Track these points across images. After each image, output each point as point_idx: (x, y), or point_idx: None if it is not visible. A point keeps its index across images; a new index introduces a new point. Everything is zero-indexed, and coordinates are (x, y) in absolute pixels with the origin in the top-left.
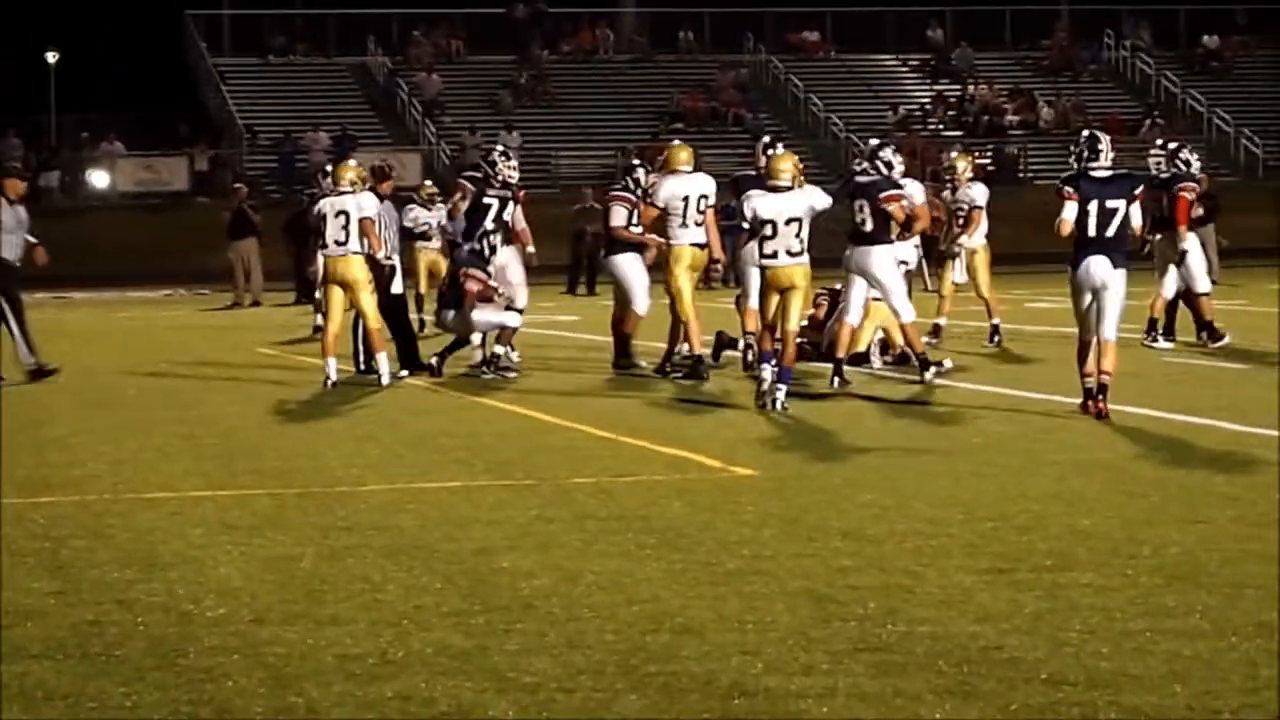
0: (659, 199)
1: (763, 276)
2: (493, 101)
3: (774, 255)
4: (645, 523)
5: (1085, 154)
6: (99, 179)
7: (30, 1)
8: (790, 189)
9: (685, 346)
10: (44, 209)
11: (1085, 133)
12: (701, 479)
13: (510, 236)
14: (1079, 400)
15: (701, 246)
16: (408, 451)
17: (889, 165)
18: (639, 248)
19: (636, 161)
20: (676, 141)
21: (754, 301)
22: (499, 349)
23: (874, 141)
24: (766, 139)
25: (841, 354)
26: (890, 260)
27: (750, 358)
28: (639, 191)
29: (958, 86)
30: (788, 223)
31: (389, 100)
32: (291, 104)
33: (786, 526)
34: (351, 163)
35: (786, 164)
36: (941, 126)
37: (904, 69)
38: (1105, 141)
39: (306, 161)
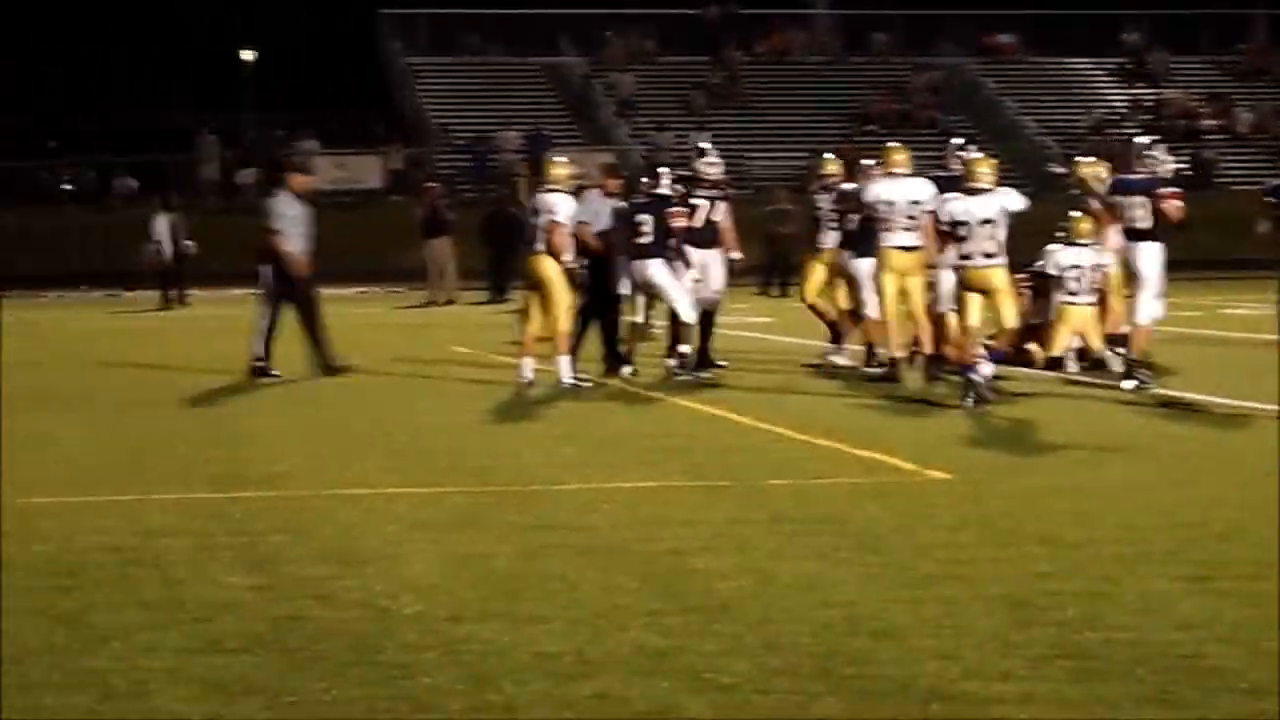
0: (865, 199)
1: (959, 278)
2: (685, 102)
3: (969, 257)
4: (840, 525)
5: None
6: None
7: (226, 1)
8: (988, 190)
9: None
10: (240, 206)
11: None
12: (897, 482)
13: (715, 238)
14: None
15: (909, 249)
16: (603, 451)
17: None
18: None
19: (705, 145)
20: (893, 144)
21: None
22: (685, 348)
23: (1141, 140)
24: (959, 140)
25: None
26: (1156, 256)
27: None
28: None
29: (1153, 90)
30: (982, 224)
31: (582, 99)
32: (484, 103)
33: (983, 531)
34: (561, 159)
35: (986, 166)
36: (1137, 131)
37: (1099, 72)
38: None
39: (498, 160)
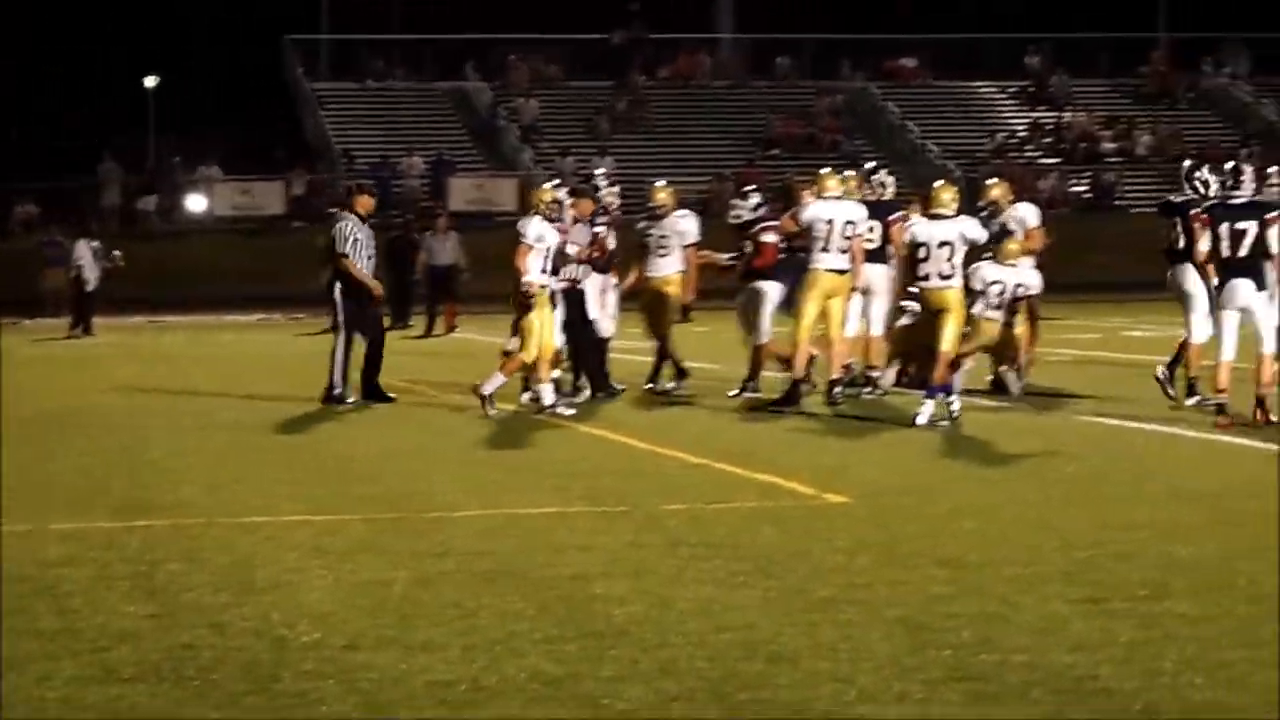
0: (802, 219)
1: (919, 299)
2: (590, 127)
3: (926, 278)
4: (738, 550)
5: (1229, 183)
6: (195, 203)
7: (130, 27)
8: (950, 217)
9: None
10: (140, 233)
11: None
12: (795, 506)
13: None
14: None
15: (840, 272)
16: (502, 477)
17: (1206, 185)
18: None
19: (601, 171)
20: (826, 170)
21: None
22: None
23: (1188, 162)
24: (870, 165)
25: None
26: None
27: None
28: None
29: (1055, 113)
30: (940, 246)
31: (486, 125)
32: (389, 128)
33: (881, 554)
34: (546, 187)
35: (948, 194)
36: (1038, 153)
37: (1001, 96)
38: (1247, 172)
39: (403, 186)
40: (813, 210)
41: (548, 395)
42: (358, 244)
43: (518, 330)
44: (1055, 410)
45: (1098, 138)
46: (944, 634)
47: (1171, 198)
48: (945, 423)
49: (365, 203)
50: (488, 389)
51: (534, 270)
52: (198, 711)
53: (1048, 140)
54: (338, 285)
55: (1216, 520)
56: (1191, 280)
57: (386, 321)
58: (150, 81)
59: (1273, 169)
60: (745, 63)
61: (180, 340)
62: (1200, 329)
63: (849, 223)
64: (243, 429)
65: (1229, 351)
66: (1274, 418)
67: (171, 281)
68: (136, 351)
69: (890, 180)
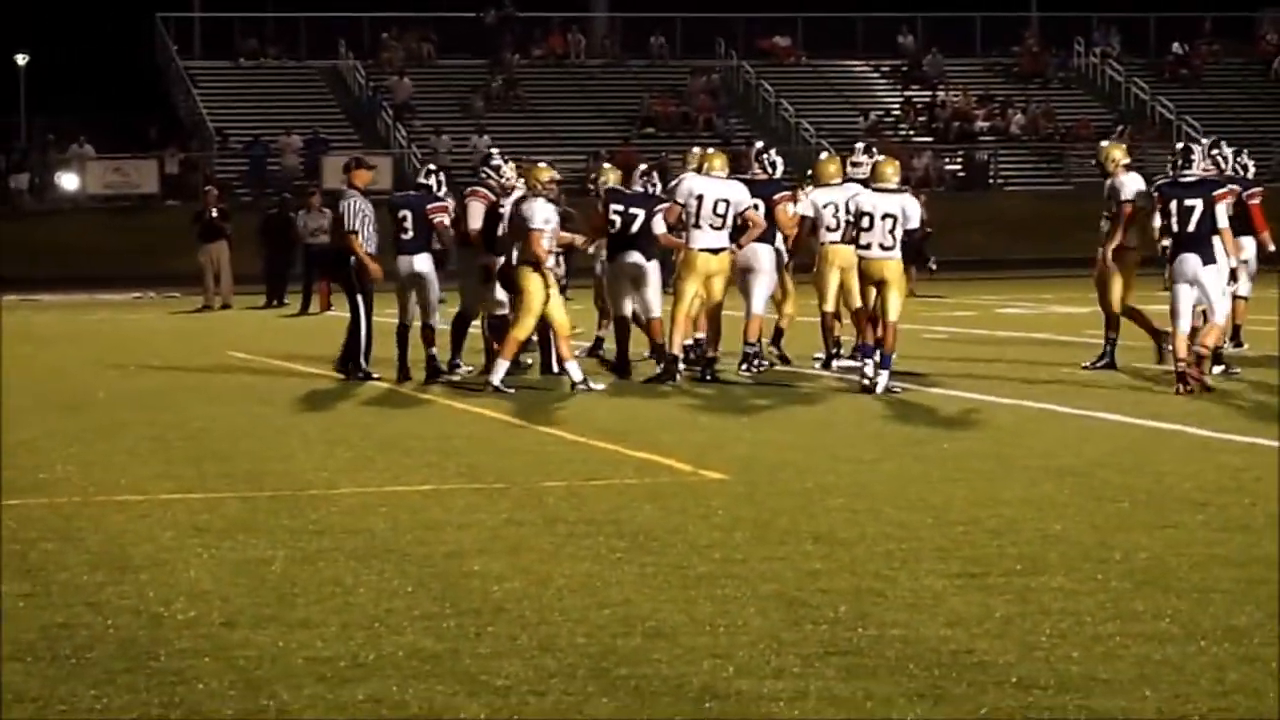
0: (679, 195)
1: (859, 269)
2: (464, 105)
3: (868, 247)
4: (616, 526)
5: (1179, 162)
6: (68, 182)
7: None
8: (893, 190)
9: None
10: (13, 212)
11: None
12: (673, 483)
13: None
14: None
15: (715, 251)
16: (379, 454)
17: (1225, 160)
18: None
19: (495, 151)
20: (711, 149)
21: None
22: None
23: (1205, 141)
24: (759, 145)
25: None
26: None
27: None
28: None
29: (928, 92)
30: (884, 218)
31: (360, 104)
32: (262, 107)
33: (758, 530)
34: (542, 166)
35: (890, 168)
36: (912, 132)
37: (875, 75)
38: (1196, 151)
39: (279, 165)
40: (685, 185)
41: (576, 373)
42: (365, 220)
43: (515, 310)
44: (930, 387)
45: (971, 116)
46: (820, 609)
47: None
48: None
49: (364, 176)
50: (496, 378)
51: (549, 253)
52: (74, 690)
53: (922, 119)
54: (352, 262)
55: (1090, 495)
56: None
57: (261, 300)
58: (21, 59)
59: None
60: (619, 41)
61: (53, 319)
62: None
63: (721, 200)
64: (117, 407)
65: (1185, 324)
66: (1209, 381)
67: (44, 260)
68: (9, 331)
69: (779, 160)
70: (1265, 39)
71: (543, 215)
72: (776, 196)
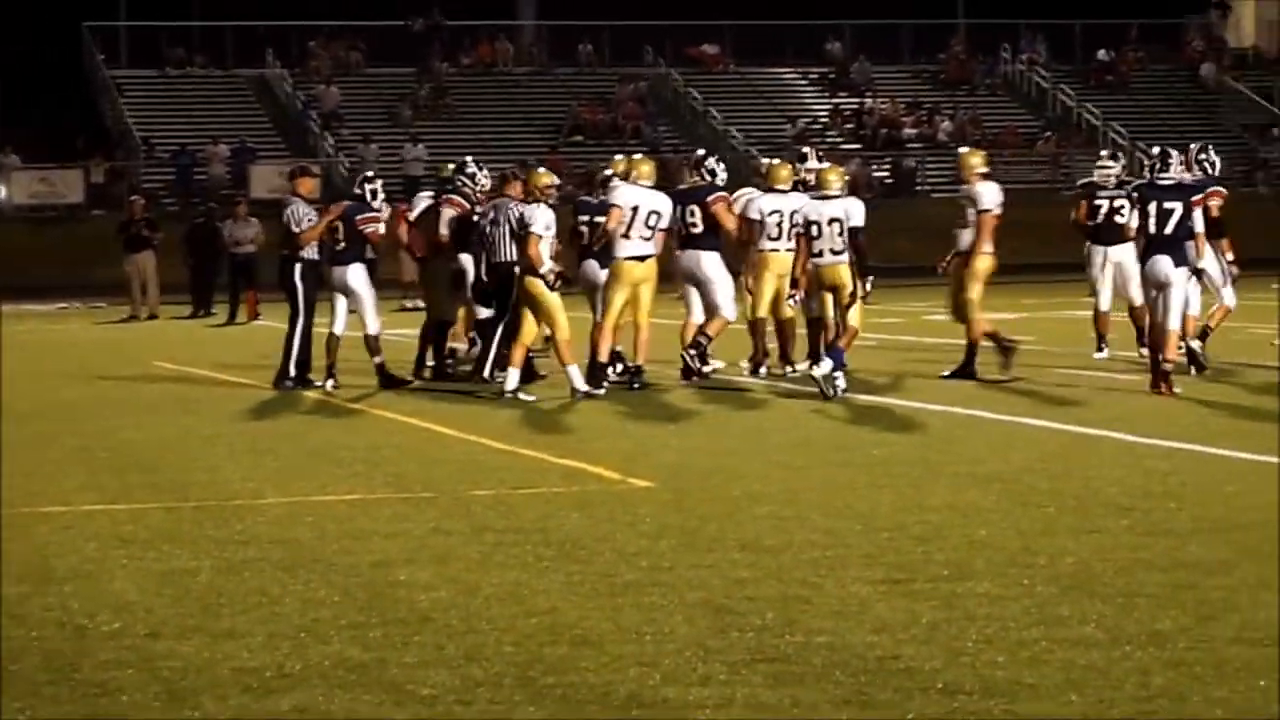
0: (618, 202)
1: (811, 275)
2: (392, 114)
3: (820, 254)
4: (543, 535)
5: (1157, 165)
6: None
7: None
8: (837, 196)
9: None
10: None
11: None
12: (600, 491)
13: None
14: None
15: (641, 259)
16: (306, 464)
17: (1213, 165)
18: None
19: (469, 158)
20: (638, 156)
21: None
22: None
23: (1194, 145)
24: (701, 152)
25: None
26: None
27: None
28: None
29: (856, 100)
30: (830, 223)
31: (287, 112)
32: (189, 116)
33: (684, 538)
34: (542, 171)
35: (834, 175)
36: (840, 139)
37: (803, 82)
38: (1175, 156)
39: (206, 174)
40: (622, 194)
41: (578, 380)
42: (311, 224)
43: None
44: (858, 394)
45: (899, 124)
46: (747, 616)
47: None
48: (842, 388)
49: (307, 184)
50: (580, 385)
51: (546, 258)
52: None
53: (849, 126)
54: (297, 268)
55: (1016, 501)
56: (1206, 258)
57: (186, 310)
58: None
59: (1103, 152)
60: (547, 50)
61: None
62: (1229, 297)
63: (654, 212)
64: (42, 418)
65: (1175, 321)
66: (1178, 390)
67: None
68: None
69: (721, 167)
70: (1191, 45)
71: (544, 221)
72: (710, 198)
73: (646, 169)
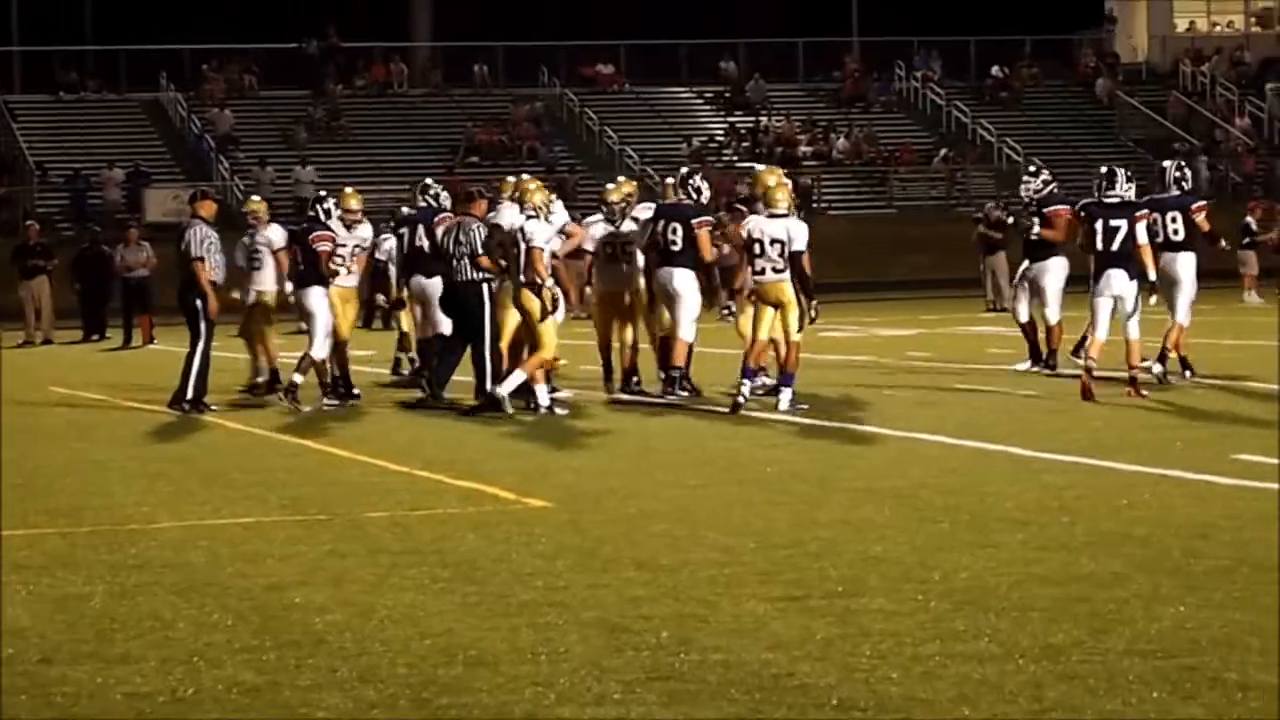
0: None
1: (754, 292)
2: (287, 136)
3: (762, 272)
4: (439, 556)
5: (1103, 185)
6: None
7: None
8: (784, 215)
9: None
10: None
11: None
12: (496, 511)
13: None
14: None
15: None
16: (200, 488)
17: (1187, 179)
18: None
19: (324, 193)
20: (526, 176)
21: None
22: (299, 377)
23: (1169, 162)
24: (685, 170)
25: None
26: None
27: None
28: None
29: (752, 118)
30: (772, 243)
31: (182, 136)
32: (83, 141)
33: (580, 558)
34: (511, 180)
35: (781, 194)
36: (736, 158)
37: (699, 101)
38: (1120, 174)
39: (100, 199)
40: (507, 219)
41: (543, 396)
42: (211, 247)
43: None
44: (753, 412)
45: (794, 142)
46: (642, 635)
47: (1158, 194)
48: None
49: (209, 207)
50: (544, 400)
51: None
52: None
53: (745, 145)
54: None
55: (912, 516)
56: (1183, 268)
57: (79, 334)
58: None
59: (1030, 168)
60: (442, 71)
61: None
62: (1186, 313)
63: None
64: None
65: (1103, 333)
66: (1145, 393)
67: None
68: None
69: (705, 185)
70: (1084, 61)
71: (544, 235)
72: (695, 221)
73: (535, 190)
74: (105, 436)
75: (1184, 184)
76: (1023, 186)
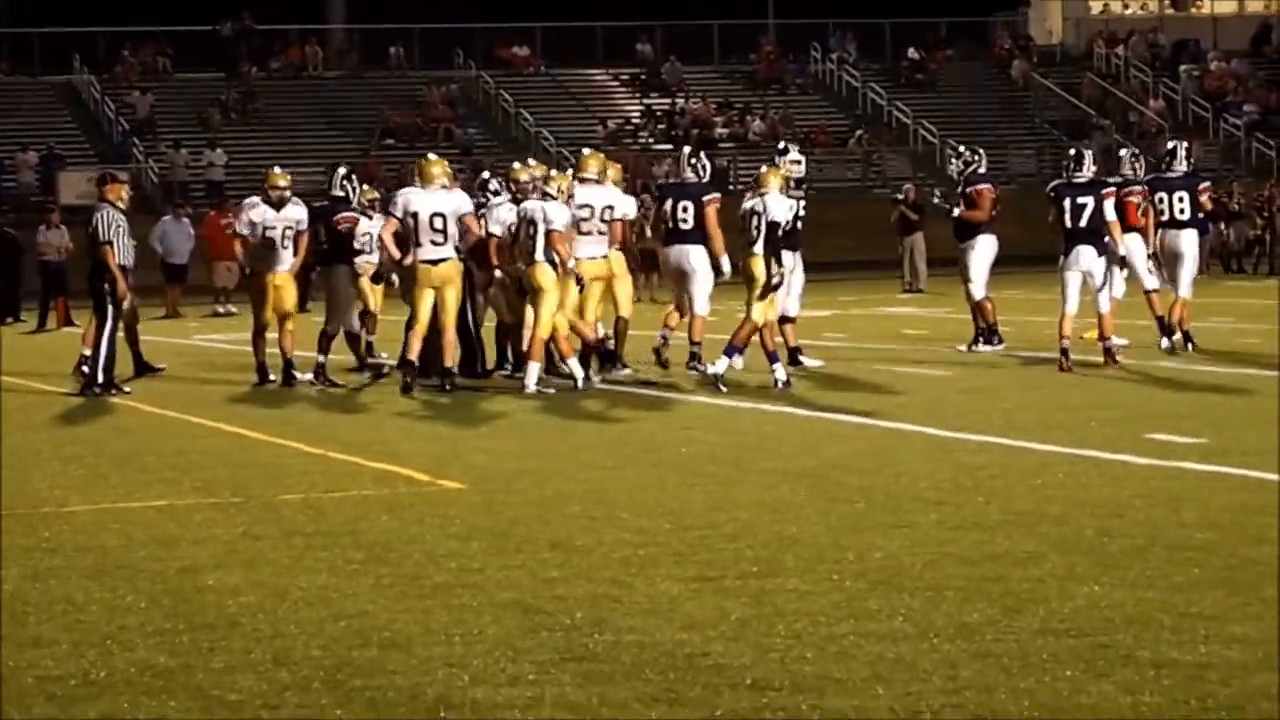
0: (395, 210)
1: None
2: (202, 119)
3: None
4: (353, 538)
5: (1071, 165)
6: None
7: None
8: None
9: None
10: None
11: (1072, 150)
12: (410, 493)
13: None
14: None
15: (434, 262)
16: (113, 471)
17: (1186, 156)
18: None
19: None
20: (432, 156)
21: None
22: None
23: (1171, 142)
24: (688, 149)
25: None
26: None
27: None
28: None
29: (668, 100)
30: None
31: (96, 119)
32: None
33: (494, 539)
34: (524, 165)
35: (775, 178)
36: (652, 140)
37: (614, 83)
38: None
39: (14, 182)
40: (401, 200)
41: (532, 376)
42: (120, 231)
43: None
44: (668, 393)
45: (710, 123)
46: (556, 616)
47: (1164, 173)
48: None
49: (116, 190)
50: (531, 382)
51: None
52: None
53: (661, 127)
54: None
55: (826, 497)
56: (1187, 244)
57: None
58: None
59: (960, 149)
60: (358, 53)
61: None
62: (1188, 288)
63: (437, 214)
64: None
65: (1072, 306)
66: (1119, 358)
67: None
68: None
69: (708, 163)
70: (999, 43)
71: (564, 218)
72: (705, 198)
73: (437, 170)
74: (19, 420)
75: (1192, 162)
76: (958, 161)
